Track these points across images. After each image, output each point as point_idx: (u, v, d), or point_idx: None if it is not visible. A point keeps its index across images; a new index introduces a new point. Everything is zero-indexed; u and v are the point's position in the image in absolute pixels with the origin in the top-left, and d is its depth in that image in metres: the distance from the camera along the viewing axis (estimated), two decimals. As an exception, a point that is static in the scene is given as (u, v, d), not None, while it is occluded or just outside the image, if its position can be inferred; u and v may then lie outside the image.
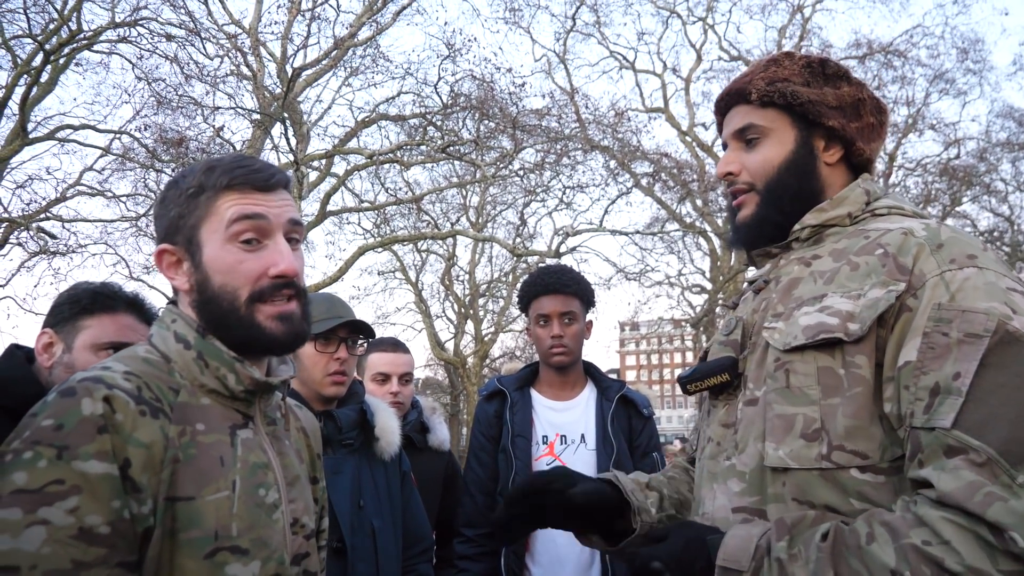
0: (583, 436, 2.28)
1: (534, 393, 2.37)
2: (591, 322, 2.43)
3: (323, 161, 13.86)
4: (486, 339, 18.29)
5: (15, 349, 1.59)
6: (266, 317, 1.06)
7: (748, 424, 1.13)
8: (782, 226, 1.22)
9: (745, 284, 1.31)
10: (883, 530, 0.92)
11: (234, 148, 12.39)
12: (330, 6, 12.82)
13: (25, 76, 11.21)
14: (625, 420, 2.31)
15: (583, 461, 2.24)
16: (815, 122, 1.22)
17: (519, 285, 2.47)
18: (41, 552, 0.84)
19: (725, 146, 1.31)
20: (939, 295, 1.00)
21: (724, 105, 1.31)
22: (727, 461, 1.16)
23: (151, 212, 12.63)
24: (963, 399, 0.93)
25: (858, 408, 1.02)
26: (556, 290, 2.31)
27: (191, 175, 1.10)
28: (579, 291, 2.34)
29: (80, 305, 1.56)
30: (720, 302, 14.66)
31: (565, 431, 2.29)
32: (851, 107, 1.23)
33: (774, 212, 1.22)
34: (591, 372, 2.43)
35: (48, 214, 12.70)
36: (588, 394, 2.37)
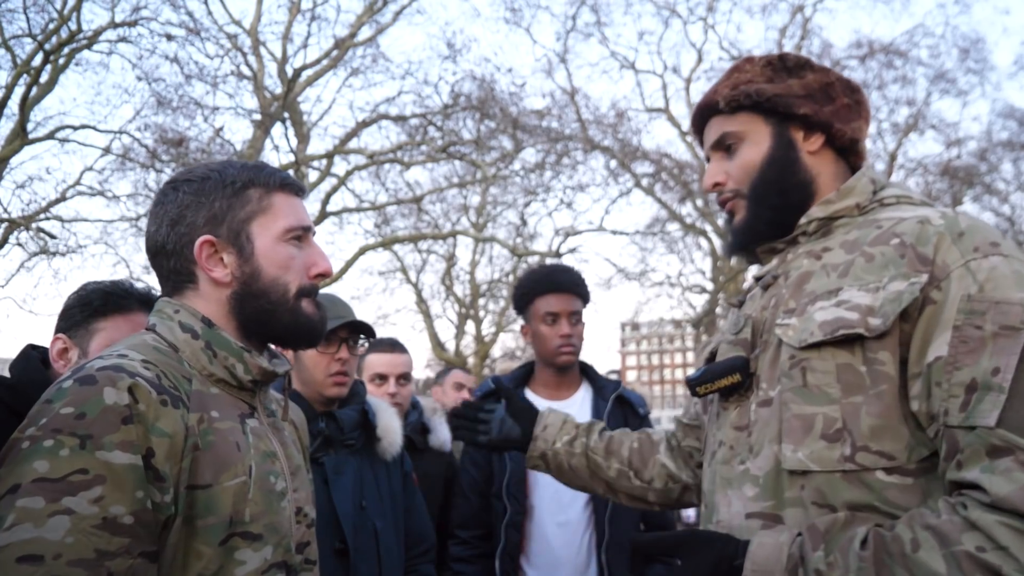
0: None
1: (529, 393, 2.35)
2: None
3: (323, 161, 13.87)
4: (487, 339, 18.28)
5: (31, 350, 1.52)
6: (308, 305, 1.14)
7: (763, 426, 1.08)
8: (776, 223, 1.20)
9: (751, 280, 1.28)
10: (928, 535, 0.87)
11: (234, 148, 12.40)
12: (330, 6, 12.90)
13: (25, 76, 11.22)
14: (621, 419, 2.28)
15: None
16: (787, 114, 1.20)
17: (518, 282, 2.44)
18: (65, 541, 0.84)
19: (709, 161, 1.30)
20: (967, 286, 0.94)
21: (699, 123, 1.31)
22: (741, 465, 1.11)
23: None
24: (1006, 396, 0.87)
25: (884, 407, 0.97)
26: (568, 289, 2.27)
27: (229, 169, 1.13)
28: (584, 292, 2.33)
29: (92, 307, 1.50)
30: (722, 300, 14.68)
31: None
32: (820, 92, 1.21)
33: (765, 210, 1.20)
34: (586, 372, 2.41)
35: (48, 214, 12.68)
36: (583, 394, 2.36)
